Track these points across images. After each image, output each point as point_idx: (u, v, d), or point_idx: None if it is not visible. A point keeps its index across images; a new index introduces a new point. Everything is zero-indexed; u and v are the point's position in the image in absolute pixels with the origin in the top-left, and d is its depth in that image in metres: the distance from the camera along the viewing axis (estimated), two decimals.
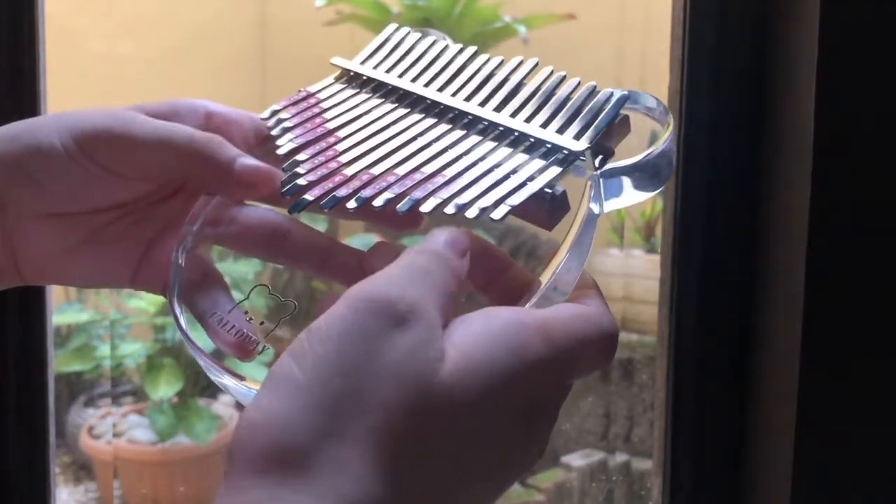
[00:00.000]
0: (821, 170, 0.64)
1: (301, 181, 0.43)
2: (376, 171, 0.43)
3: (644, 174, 0.41)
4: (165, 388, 1.70)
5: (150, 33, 1.83)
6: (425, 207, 0.40)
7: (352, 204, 0.41)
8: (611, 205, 0.41)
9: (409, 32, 0.50)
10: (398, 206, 0.41)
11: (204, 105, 0.47)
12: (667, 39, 0.77)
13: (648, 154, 0.40)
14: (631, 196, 0.41)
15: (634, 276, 1.76)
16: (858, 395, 0.67)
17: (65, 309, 1.80)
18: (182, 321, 0.43)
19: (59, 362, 1.75)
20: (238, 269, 1.61)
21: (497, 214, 0.39)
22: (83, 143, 0.43)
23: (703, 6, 0.74)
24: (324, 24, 1.76)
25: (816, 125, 0.64)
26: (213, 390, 1.79)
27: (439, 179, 0.41)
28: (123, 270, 0.46)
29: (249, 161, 0.44)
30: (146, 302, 1.74)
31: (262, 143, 0.47)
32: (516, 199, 0.40)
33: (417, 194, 0.41)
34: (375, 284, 0.34)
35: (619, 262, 1.84)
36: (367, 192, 0.42)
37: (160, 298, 1.70)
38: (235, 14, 2.05)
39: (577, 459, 1.71)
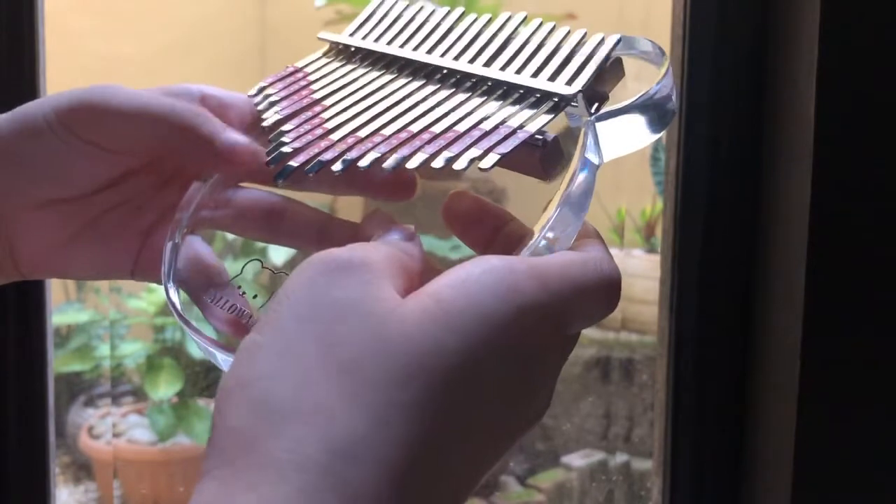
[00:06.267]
0: (821, 169, 0.64)
1: (286, 149, 0.42)
2: (363, 133, 0.42)
3: (643, 116, 0.39)
4: (165, 388, 1.70)
5: (149, 33, 1.83)
6: (412, 163, 0.39)
7: (337, 166, 0.40)
8: (612, 151, 0.39)
9: (396, 2, 0.49)
10: (384, 164, 0.39)
11: (199, 89, 0.46)
12: (667, 39, 0.77)
13: (645, 94, 0.39)
14: (633, 141, 0.39)
15: (634, 276, 1.76)
16: (858, 395, 0.67)
17: (64, 309, 1.80)
18: (178, 305, 0.43)
19: (59, 362, 1.75)
20: (237, 267, 1.61)
21: (486, 164, 0.38)
22: (64, 117, 0.42)
23: (703, 6, 0.74)
24: (324, 25, 1.76)
25: (816, 124, 0.64)
26: (213, 390, 1.79)
27: (426, 136, 0.40)
28: (123, 261, 0.46)
29: (233, 136, 0.44)
30: (146, 302, 1.74)
31: (258, 125, 0.47)
32: (504, 147, 0.38)
33: (404, 152, 0.40)
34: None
35: (619, 262, 1.84)
36: (352, 154, 0.40)
37: (160, 298, 1.67)
38: (235, 14, 2.05)
39: (577, 459, 1.71)
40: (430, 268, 0.37)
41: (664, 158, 0.80)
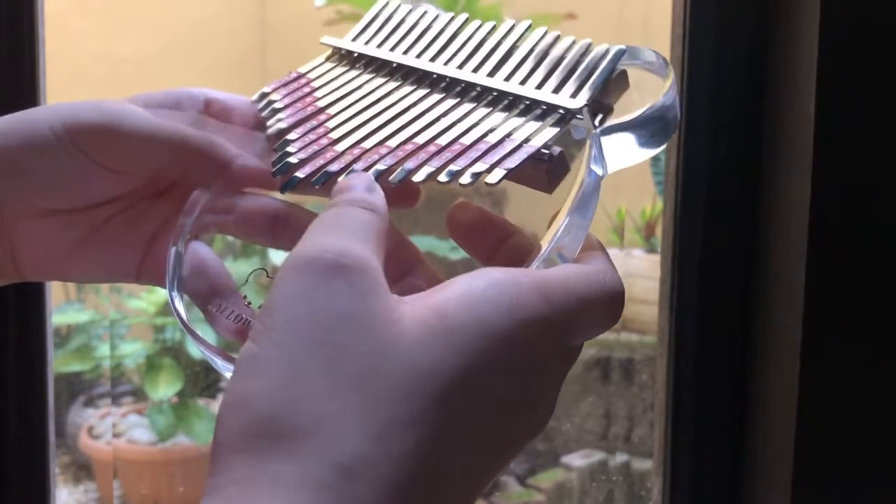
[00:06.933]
0: (821, 170, 0.64)
1: (292, 159, 0.42)
2: (368, 144, 0.42)
3: (647, 129, 0.39)
4: (165, 388, 1.70)
5: (148, 33, 1.83)
6: (418, 177, 0.39)
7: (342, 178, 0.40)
8: (615, 163, 0.39)
9: (399, 6, 0.49)
10: (390, 178, 0.40)
11: (203, 93, 0.46)
12: (667, 39, 0.77)
13: (650, 108, 0.39)
14: (636, 153, 0.39)
15: (634, 276, 1.76)
16: (858, 395, 0.67)
17: (64, 309, 1.80)
18: (183, 313, 0.43)
19: (59, 362, 1.75)
20: (238, 269, 1.61)
21: (492, 179, 0.38)
22: (74, 137, 0.42)
23: (703, 6, 0.74)
24: (324, 24, 1.76)
25: (816, 125, 0.64)
26: (212, 390, 1.79)
27: (432, 148, 0.40)
28: (127, 266, 0.46)
29: (246, 160, 0.44)
30: (146, 302, 1.74)
31: (262, 128, 0.47)
32: (511, 161, 0.38)
33: (409, 164, 0.40)
34: (298, 246, 0.33)
35: (619, 262, 1.84)
36: (358, 166, 0.41)
37: (160, 299, 1.67)
38: (235, 14, 2.05)
39: (577, 459, 1.71)
40: (429, 271, 0.37)
41: (664, 158, 0.80)
